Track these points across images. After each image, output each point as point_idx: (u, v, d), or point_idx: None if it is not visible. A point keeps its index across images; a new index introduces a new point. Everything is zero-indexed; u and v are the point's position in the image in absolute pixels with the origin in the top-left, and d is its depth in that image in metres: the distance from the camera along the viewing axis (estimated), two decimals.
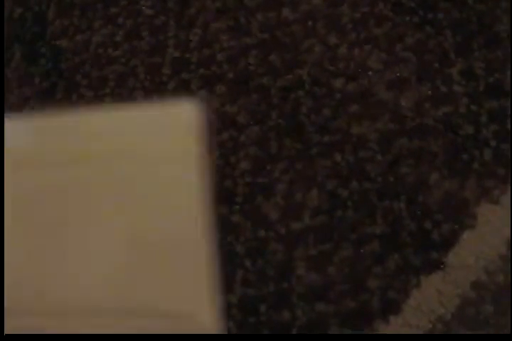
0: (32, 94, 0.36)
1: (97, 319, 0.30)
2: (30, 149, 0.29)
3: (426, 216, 0.34)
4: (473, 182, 0.34)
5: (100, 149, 0.28)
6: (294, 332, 0.33)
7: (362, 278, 0.33)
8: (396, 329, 0.33)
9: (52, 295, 0.30)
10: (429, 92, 0.35)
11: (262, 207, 0.34)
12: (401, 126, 0.34)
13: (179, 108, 0.27)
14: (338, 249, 0.33)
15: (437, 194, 0.34)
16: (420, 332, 0.33)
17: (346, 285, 0.33)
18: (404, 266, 0.33)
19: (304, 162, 0.34)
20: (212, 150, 0.31)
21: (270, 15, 0.36)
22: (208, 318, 0.28)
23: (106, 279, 0.28)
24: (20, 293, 0.30)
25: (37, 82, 0.36)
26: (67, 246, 0.30)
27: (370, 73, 0.35)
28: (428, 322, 0.33)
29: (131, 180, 0.27)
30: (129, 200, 0.29)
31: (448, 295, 0.33)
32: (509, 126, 0.34)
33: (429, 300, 0.33)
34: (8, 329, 0.30)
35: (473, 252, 0.34)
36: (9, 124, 0.29)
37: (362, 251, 0.33)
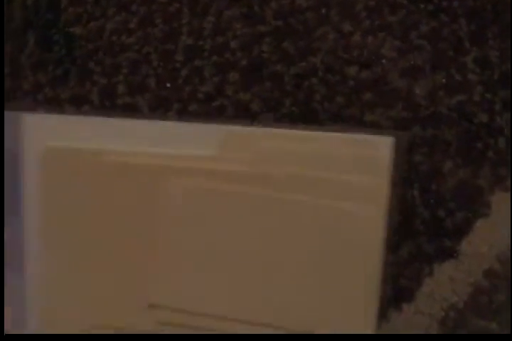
0: (45, 81, 0.36)
1: (236, 325, 0.30)
2: (213, 156, 0.29)
3: (439, 204, 0.34)
4: (487, 170, 0.34)
5: (285, 172, 0.28)
6: None
7: None
8: (408, 317, 0.33)
9: (196, 296, 0.30)
10: (444, 80, 0.35)
11: None
12: (415, 114, 0.34)
13: (375, 145, 0.27)
14: None
15: (451, 182, 0.34)
16: (433, 319, 0.33)
17: None
18: (417, 254, 0.33)
19: None
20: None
21: (284, 2, 0.35)
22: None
23: (266, 297, 0.28)
24: (168, 289, 0.31)
25: (50, 69, 0.36)
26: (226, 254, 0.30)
27: (383, 61, 0.35)
28: (441, 310, 0.33)
29: (309, 207, 0.27)
30: (305, 226, 0.28)
31: (461, 284, 0.33)
32: None
33: (442, 288, 0.33)
34: (149, 322, 0.30)
35: (486, 240, 0.34)
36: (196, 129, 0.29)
37: None
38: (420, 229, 0.34)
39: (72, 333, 0.32)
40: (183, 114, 0.35)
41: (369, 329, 0.27)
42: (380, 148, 0.25)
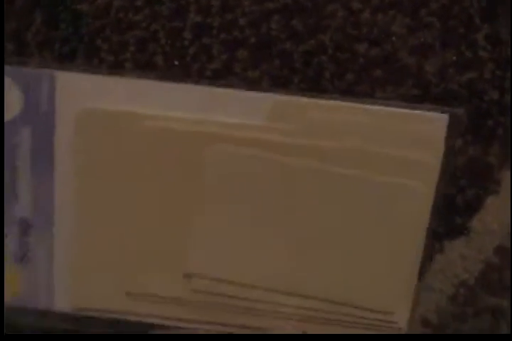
0: (52, 59, 0.36)
1: (279, 297, 0.30)
2: (262, 126, 0.29)
3: (450, 181, 0.34)
4: (497, 148, 0.34)
5: (334, 144, 0.28)
6: None
7: None
8: (419, 294, 0.33)
9: (243, 268, 0.31)
10: (454, 58, 0.34)
11: None
12: (425, 92, 0.34)
13: (431, 122, 0.26)
14: None
15: (461, 159, 0.34)
16: (443, 296, 0.33)
17: None
18: (428, 231, 0.33)
19: None
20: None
21: None
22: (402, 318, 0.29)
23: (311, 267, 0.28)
24: (205, 258, 0.30)
25: (57, 47, 0.36)
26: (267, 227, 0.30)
27: (393, 38, 0.35)
28: (451, 287, 0.33)
29: (358, 180, 0.27)
30: (348, 197, 0.28)
31: (471, 260, 0.33)
32: None
33: (453, 265, 0.33)
34: (185, 290, 0.30)
35: (497, 218, 0.34)
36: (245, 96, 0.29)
37: None
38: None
39: (105, 300, 0.32)
40: None
41: (405, 304, 0.27)
42: (435, 125, 0.25)
